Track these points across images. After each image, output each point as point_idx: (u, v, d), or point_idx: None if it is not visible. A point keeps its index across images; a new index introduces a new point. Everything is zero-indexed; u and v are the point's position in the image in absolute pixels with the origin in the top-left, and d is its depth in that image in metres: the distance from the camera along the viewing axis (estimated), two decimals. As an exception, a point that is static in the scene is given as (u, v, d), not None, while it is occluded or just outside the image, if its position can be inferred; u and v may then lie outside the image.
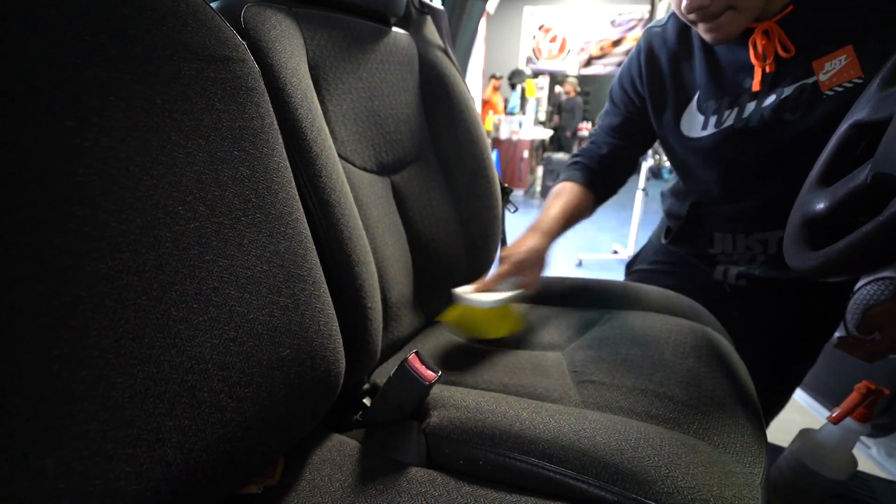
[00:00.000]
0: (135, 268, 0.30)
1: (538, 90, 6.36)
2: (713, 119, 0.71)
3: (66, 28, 0.29)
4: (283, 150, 0.43)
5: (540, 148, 6.09)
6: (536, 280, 0.73)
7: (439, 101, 0.79)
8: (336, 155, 0.56)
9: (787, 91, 0.64)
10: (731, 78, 0.68)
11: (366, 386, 0.62)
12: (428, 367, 0.48)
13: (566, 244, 3.36)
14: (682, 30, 0.73)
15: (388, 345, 0.66)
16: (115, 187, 0.30)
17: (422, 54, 0.78)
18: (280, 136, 0.43)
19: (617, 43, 6.54)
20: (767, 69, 0.63)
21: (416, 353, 0.48)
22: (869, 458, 1.23)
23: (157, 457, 0.30)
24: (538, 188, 5.24)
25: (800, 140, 0.65)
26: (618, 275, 1.08)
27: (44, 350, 0.26)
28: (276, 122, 0.43)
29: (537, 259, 0.73)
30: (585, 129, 6.58)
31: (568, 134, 6.34)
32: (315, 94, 0.56)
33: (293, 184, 0.44)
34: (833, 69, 0.61)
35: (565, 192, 0.82)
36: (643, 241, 1.10)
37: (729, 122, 0.69)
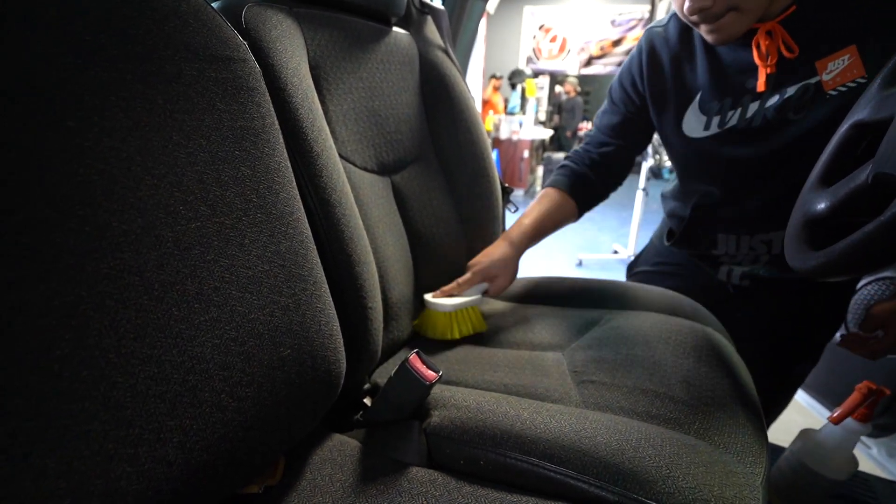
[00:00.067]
0: (136, 267, 0.30)
1: (538, 90, 6.36)
2: (716, 119, 0.71)
3: (66, 28, 0.29)
4: (284, 150, 0.43)
5: (540, 148, 6.09)
6: (502, 288, 0.77)
7: (440, 101, 0.79)
8: (337, 155, 0.56)
9: (791, 91, 0.64)
10: (734, 78, 0.68)
11: (366, 386, 0.62)
12: (429, 367, 0.48)
13: (566, 244, 3.36)
14: (684, 30, 0.72)
15: (388, 345, 0.66)
16: (117, 187, 0.30)
17: (422, 54, 0.78)
18: (281, 136, 0.43)
19: (617, 43, 6.54)
20: (770, 70, 0.63)
21: (417, 352, 0.48)
22: (870, 458, 1.23)
23: (158, 456, 0.30)
24: (538, 188, 5.23)
25: (803, 140, 0.65)
26: (618, 275, 1.08)
27: (44, 350, 0.26)
28: (277, 122, 0.43)
29: (503, 269, 0.76)
30: (585, 128, 6.58)
31: (568, 134, 6.35)
32: (316, 94, 0.56)
33: (294, 183, 0.44)
34: (836, 69, 0.61)
35: (545, 200, 0.83)
36: (644, 241, 1.10)
37: (732, 122, 0.69)
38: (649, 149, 2.67)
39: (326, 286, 0.45)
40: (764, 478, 0.45)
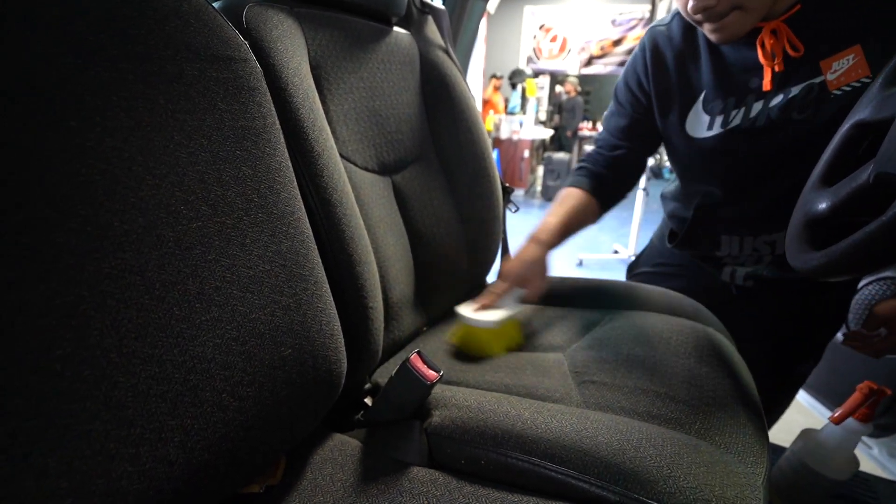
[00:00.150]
0: (137, 267, 0.30)
1: (539, 90, 6.36)
2: (719, 119, 0.70)
3: (66, 28, 0.29)
4: (285, 150, 0.43)
5: (540, 147, 6.09)
6: (539, 291, 0.73)
7: (440, 101, 0.79)
8: (338, 155, 0.56)
9: (795, 91, 0.64)
10: (738, 78, 0.68)
11: (367, 385, 0.62)
12: (430, 367, 0.48)
13: (566, 244, 3.35)
14: (688, 29, 0.72)
15: (389, 344, 0.66)
16: (118, 187, 0.30)
17: (423, 54, 0.78)
18: (282, 136, 0.43)
19: (618, 42, 6.53)
20: (776, 69, 0.63)
21: (418, 352, 0.48)
22: (871, 458, 1.23)
23: (159, 456, 0.30)
24: (539, 188, 5.24)
25: (807, 140, 0.64)
26: (619, 275, 1.08)
27: (45, 350, 0.26)
28: (277, 122, 0.43)
29: (537, 270, 0.74)
30: (586, 128, 6.57)
31: (568, 133, 6.34)
32: (317, 94, 0.56)
33: (295, 183, 0.44)
34: (841, 69, 0.60)
35: (568, 199, 0.81)
36: (644, 241, 1.10)
37: (735, 121, 0.69)
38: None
39: (327, 286, 0.45)
40: (765, 478, 0.45)
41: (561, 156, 4.85)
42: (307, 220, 0.44)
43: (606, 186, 0.83)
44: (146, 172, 0.32)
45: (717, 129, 0.71)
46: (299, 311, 0.40)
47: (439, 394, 0.53)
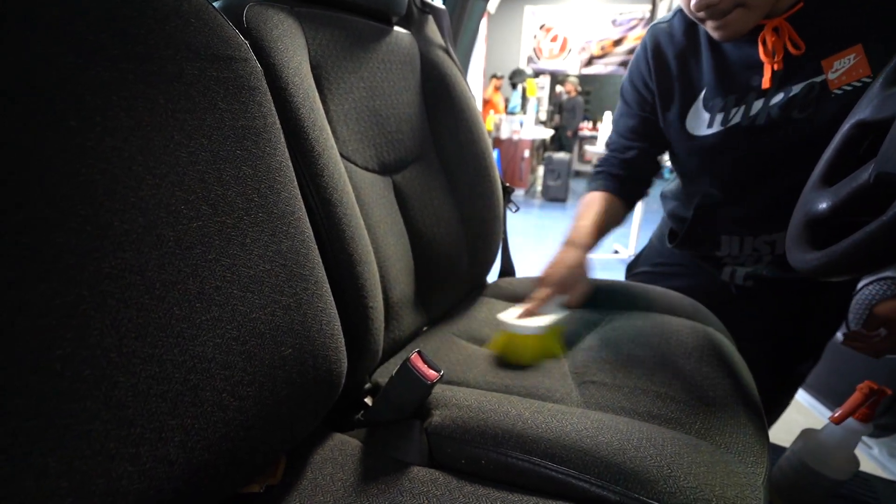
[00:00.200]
0: (137, 267, 0.30)
1: (539, 90, 6.36)
2: (719, 117, 0.70)
3: (67, 28, 0.29)
4: (286, 150, 0.43)
5: (541, 147, 6.09)
6: (582, 296, 0.72)
7: (441, 101, 0.79)
8: (338, 154, 0.56)
9: (796, 89, 0.64)
10: (739, 75, 0.68)
11: (367, 385, 0.62)
12: (430, 367, 0.48)
13: (567, 244, 3.35)
14: (689, 26, 0.72)
15: (389, 344, 0.66)
16: (118, 186, 0.30)
17: (423, 54, 0.78)
18: (282, 136, 0.43)
19: (618, 42, 6.53)
20: (776, 66, 0.63)
21: (419, 352, 0.48)
22: (871, 458, 1.23)
23: (159, 456, 0.30)
24: (539, 188, 5.24)
25: (807, 139, 0.64)
26: (618, 275, 1.08)
27: (45, 349, 0.26)
28: (278, 122, 0.43)
29: (581, 275, 0.72)
30: (586, 128, 6.57)
31: (569, 133, 6.34)
32: (317, 94, 0.56)
33: (295, 183, 0.44)
34: (842, 68, 0.60)
35: (595, 202, 0.79)
36: (644, 240, 1.10)
37: (735, 120, 0.69)
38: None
39: (328, 285, 0.45)
40: (765, 477, 0.45)
41: (561, 156, 4.85)
42: (307, 219, 0.44)
43: (627, 186, 0.82)
44: (146, 172, 0.32)
45: (716, 128, 0.71)
46: (299, 311, 0.40)
47: (440, 393, 0.53)
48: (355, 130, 0.64)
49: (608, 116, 6.00)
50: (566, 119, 6.35)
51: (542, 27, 6.79)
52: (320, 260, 0.45)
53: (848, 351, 0.78)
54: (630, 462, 0.42)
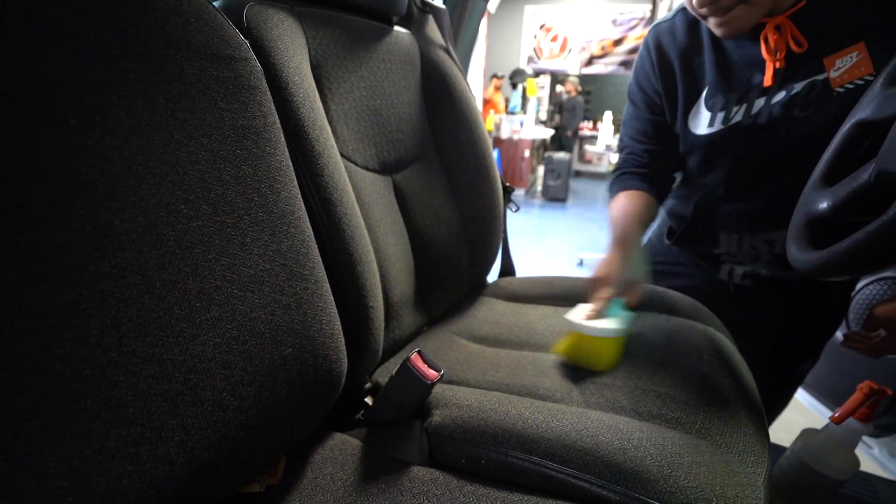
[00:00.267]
0: (137, 266, 0.30)
1: (539, 89, 6.36)
2: (720, 115, 0.70)
3: (67, 27, 0.29)
4: (286, 149, 0.43)
5: (541, 147, 6.09)
6: (640, 295, 0.70)
7: (441, 101, 0.79)
8: (338, 154, 0.56)
9: (797, 87, 0.63)
10: (741, 74, 0.67)
11: (368, 385, 0.62)
12: (430, 367, 0.48)
13: (567, 244, 3.35)
14: (692, 24, 0.72)
15: (389, 344, 0.66)
16: (119, 186, 0.30)
17: (423, 53, 0.78)
18: (282, 135, 0.43)
19: (618, 42, 6.52)
20: (778, 64, 0.63)
21: (419, 352, 0.48)
22: (871, 458, 1.23)
23: (159, 455, 0.30)
24: (539, 187, 5.24)
25: (809, 138, 0.64)
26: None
27: (45, 349, 0.26)
28: (278, 121, 0.43)
29: (637, 273, 0.70)
30: (586, 128, 6.57)
31: (569, 133, 6.34)
32: (317, 93, 0.56)
33: (295, 182, 0.44)
34: (844, 66, 0.60)
35: (630, 201, 0.78)
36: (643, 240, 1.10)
37: (737, 118, 0.69)
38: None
39: (328, 285, 0.45)
40: (765, 477, 0.45)
41: (561, 155, 4.85)
42: (307, 219, 0.44)
43: (654, 182, 0.81)
44: (146, 171, 0.32)
45: (717, 126, 0.71)
46: (300, 311, 0.40)
47: (440, 393, 0.53)
48: (355, 130, 0.64)
49: (608, 116, 6.01)
50: (566, 119, 6.35)
51: (542, 27, 6.79)
52: (320, 259, 0.45)
53: (848, 351, 0.77)
54: (630, 462, 0.42)
